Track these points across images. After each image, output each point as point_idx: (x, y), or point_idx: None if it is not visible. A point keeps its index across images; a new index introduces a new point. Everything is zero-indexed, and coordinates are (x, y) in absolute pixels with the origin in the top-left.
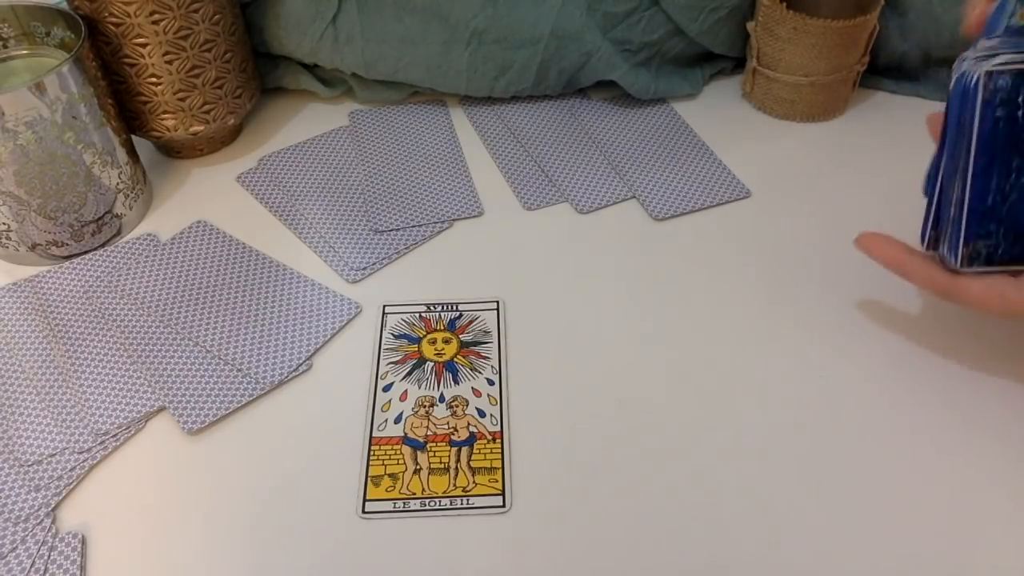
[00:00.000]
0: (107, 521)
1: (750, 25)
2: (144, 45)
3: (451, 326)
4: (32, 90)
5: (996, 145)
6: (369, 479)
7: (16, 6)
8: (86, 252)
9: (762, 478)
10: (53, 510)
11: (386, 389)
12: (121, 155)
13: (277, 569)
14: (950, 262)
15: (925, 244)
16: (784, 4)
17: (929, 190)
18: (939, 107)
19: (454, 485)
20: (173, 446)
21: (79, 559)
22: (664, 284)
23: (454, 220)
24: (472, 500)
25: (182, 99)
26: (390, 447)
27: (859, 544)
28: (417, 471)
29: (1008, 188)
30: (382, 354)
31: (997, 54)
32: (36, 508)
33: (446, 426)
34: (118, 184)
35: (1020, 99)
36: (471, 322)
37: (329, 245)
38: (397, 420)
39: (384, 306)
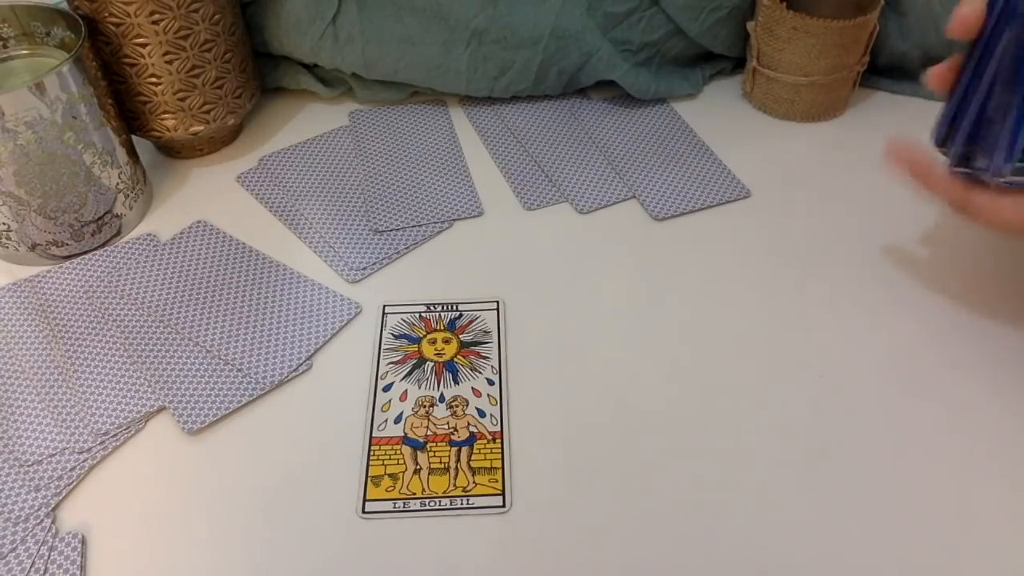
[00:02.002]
0: (107, 521)
1: (750, 25)
2: (144, 45)
3: (451, 326)
4: (32, 90)
5: None
6: (369, 479)
7: (16, 6)
8: (86, 252)
9: (762, 477)
10: (53, 510)
11: (386, 389)
12: (121, 155)
13: (277, 569)
14: (994, 166)
15: (937, 141)
16: (784, 4)
17: (954, 91)
18: (939, 107)
19: (454, 485)
20: (173, 446)
21: (79, 559)
22: (664, 284)
23: (454, 220)
24: (472, 500)
25: (182, 99)
26: (390, 447)
27: (860, 543)
28: (417, 471)
29: None
30: (382, 354)
31: None
32: (36, 508)
33: (446, 426)
34: (118, 184)
35: None
36: (471, 322)
37: (329, 245)
38: (397, 420)
39: (384, 306)
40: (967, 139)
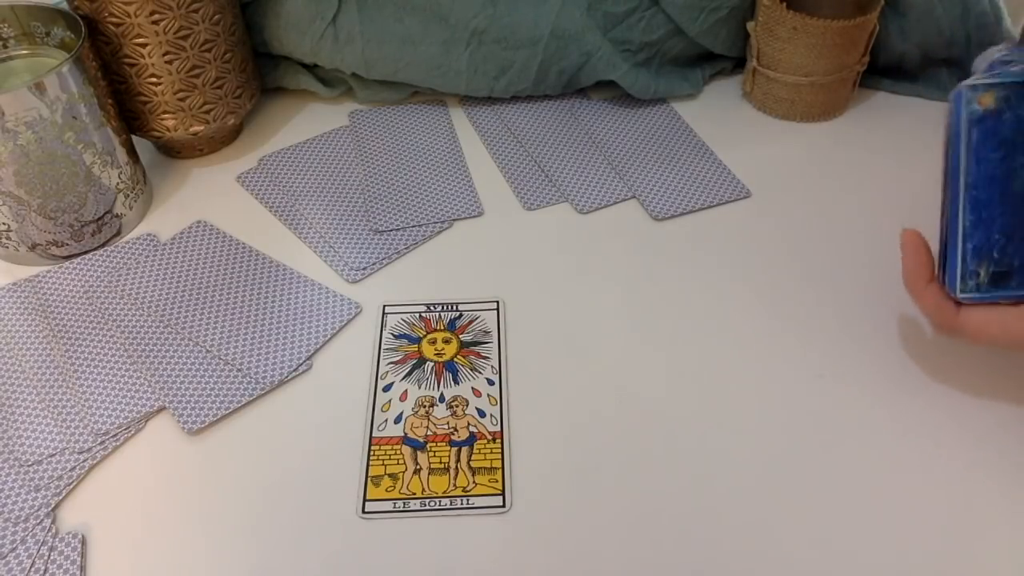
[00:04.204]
0: (107, 521)
1: (750, 25)
2: (144, 45)
3: (451, 326)
4: (32, 90)
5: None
6: (369, 479)
7: (16, 6)
8: (86, 252)
9: (761, 477)
10: (53, 510)
11: (386, 389)
12: (121, 155)
13: (277, 569)
14: (950, 290)
15: (941, 279)
16: (784, 4)
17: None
18: (939, 107)
19: (454, 485)
20: (173, 446)
21: (79, 559)
22: (664, 284)
23: (454, 220)
24: (472, 500)
25: (182, 99)
26: (390, 447)
27: (858, 543)
28: (417, 471)
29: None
30: (382, 354)
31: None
32: (36, 508)
33: (446, 426)
34: (118, 184)
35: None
36: (471, 322)
37: (329, 245)
38: (397, 420)
39: (384, 306)
40: (941, 259)
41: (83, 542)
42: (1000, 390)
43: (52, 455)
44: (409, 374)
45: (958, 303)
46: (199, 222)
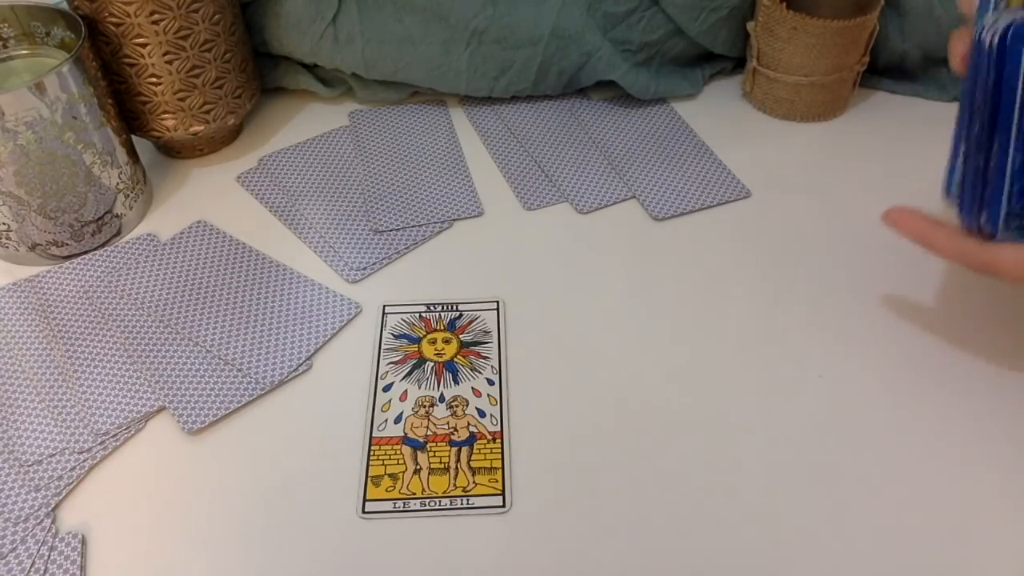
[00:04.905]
0: (107, 521)
1: (750, 25)
2: (144, 45)
3: (451, 326)
4: (32, 90)
5: None
6: (369, 479)
7: (16, 6)
8: (86, 252)
9: (762, 478)
10: (53, 510)
11: (386, 389)
12: (121, 155)
13: (277, 569)
14: (987, 228)
15: (949, 195)
16: (784, 4)
17: (954, 149)
18: (939, 107)
19: (454, 485)
20: (173, 446)
21: (79, 559)
22: (664, 284)
23: (454, 220)
24: (472, 500)
25: (182, 99)
26: (390, 447)
27: (859, 544)
28: (417, 471)
29: None
30: (382, 354)
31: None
32: (36, 508)
33: (446, 426)
34: (118, 184)
35: None
36: (471, 322)
37: (329, 245)
38: (397, 420)
39: (384, 306)
40: (960, 186)
41: (83, 542)
42: (1000, 389)
43: (52, 455)
44: (409, 374)
45: (982, 235)
46: (199, 222)
